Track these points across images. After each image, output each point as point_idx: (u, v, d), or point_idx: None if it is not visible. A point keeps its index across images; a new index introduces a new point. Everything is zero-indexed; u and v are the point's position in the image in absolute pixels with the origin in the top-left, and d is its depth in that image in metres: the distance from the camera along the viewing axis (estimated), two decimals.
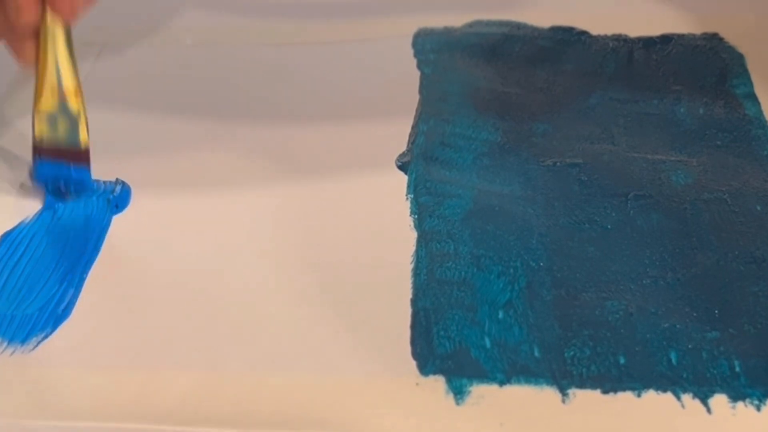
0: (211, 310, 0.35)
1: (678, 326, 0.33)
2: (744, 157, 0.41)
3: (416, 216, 0.39)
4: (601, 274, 0.36)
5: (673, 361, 0.32)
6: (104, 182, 0.41)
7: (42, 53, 0.38)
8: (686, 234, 0.37)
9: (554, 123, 0.43)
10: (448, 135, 0.43)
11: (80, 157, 0.40)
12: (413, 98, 0.45)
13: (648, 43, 0.48)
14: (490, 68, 0.47)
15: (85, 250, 0.38)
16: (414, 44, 0.49)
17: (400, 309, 0.34)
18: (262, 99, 0.46)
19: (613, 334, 0.33)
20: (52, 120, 0.39)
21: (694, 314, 0.34)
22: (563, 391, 0.32)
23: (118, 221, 0.40)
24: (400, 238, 0.38)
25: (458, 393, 0.32)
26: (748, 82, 0.45)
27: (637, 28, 0.49)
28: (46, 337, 0.34)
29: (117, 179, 0.41)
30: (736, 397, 0.31)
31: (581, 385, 0.32)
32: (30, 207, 0.40)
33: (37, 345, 0.34)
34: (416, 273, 0.36)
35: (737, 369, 0.32)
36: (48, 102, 0.39)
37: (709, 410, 0.31)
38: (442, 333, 0.33)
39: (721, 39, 0.48)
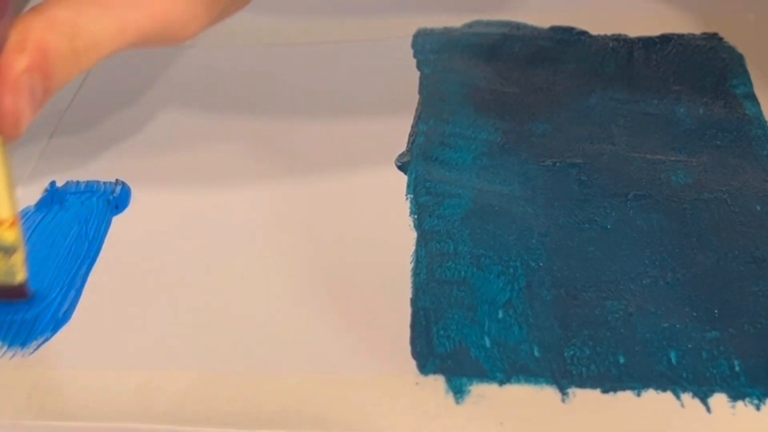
0: (210, 310, 0.35)
1: (678, 326, 0.33)
2: (744, 157, 0.41)
3: (416, 216, 0.39)
4: (601, 273, 0.36)
5: (673, 360, 0.32)
6: (104, 183, 0.41)
7: None
8: (686, 234, 0.37)
9: (554, 123, 0.43)
10: (448, 135, 0.43)
11: (15, 293, 0.35)
12: (413, 98, 0.45)
13: (648, 43, 0.48)
14: (490, 68, 0.47)
15: (85, 252, 0.38)
16: (414, 44, 0.49)
17: (399, 309, 0.35)
18: (262, 99, 0.46)
19: (613, 334, 0.33)
20: None
21: (694, 314, 0.34)
22: (563, 390, 0.32)
23: (118, 222, 0.40)
24: (400, 237, 0.38)
25: (458, 392, 0.32)
26: (748, 82, 0.45)
27: (637, 28, 0.49)
28: (46, 340, 0.34)
29: (117, 180, 0.41)
30: (735, 396, 0.31)
31: (581, 385, 0.32)
32: (25, 206, 0.40)
33: (37, 348, 0.34)
34: (416, 273, 0.36)
35: (737, 369, 0.32)
36: None
37: (708, 410, 0.31)
38: (441, 332, 0.33)
39: (721, 39, 0.48)
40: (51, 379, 0.33)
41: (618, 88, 0.45)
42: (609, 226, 0.37)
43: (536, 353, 0.33)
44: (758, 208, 0.38)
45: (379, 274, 0.36)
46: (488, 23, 0.50)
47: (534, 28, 0.50)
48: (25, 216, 0.40)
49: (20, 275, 0.34)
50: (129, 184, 0.41)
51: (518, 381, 0.32)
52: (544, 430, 0.30)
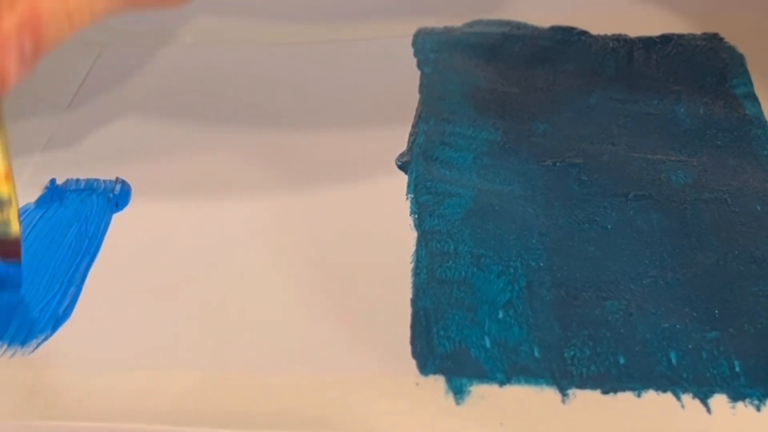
0: (210, 309, 0.35)
1: (678, 326, 0.33)
2: (744, 157, 0.41)
3: (416, 215, 0.39)
4: (601, 274, 0.36)
5: (673, 361, 0.32)
6: (104, 181, 0.41)
7: None
8: (686, 234, 0.37)
9: (554, 123, 0.43)
10: (448, 134, 0.43)
11: (10, 249, 0.35)
12: (413, 98, 0.45)
13: (648, 43, 0.48)
14: (490, 68, 0.47)
15: (85, 249, 0.38)
16: (414, 44, 0.49)
17: (399, 308, 0.34)
18: (262, 98, 0.46)
19: (613, 334, 0.33)
20: None
21: (694, 314, 0.34)
22: (563, 391, 0.31)
23: (117, 220, 0.40)
24: (400, 237, 0.37)
25: (458, 393, 0.32)
26: (748, 82, 0.45)
27: (637, 28, 0.49)
28: (46, 339, 0.34)
29: (117, 178, 0.41)
30: (736, 397, 0.31)
31: (581, 385, 0.32)
32: (25, 203, 0.40)
33: (37, 347, 0.34)
34: (416, 272, 0.36)
35: (737, 369, 0.32)
36: None
37: (709, 410, 0.31)
38: (441, 333, 0.33)
39: (721, 39, 0.48)
40: (51, 380, 0.33)
41: (618, 88, 0.45)
42: (609, 226, 0.37)
43: (536, 354, 0.33)
44: (758, 208, 0.38)
45: (379, 273, 0.36)
46: (488, 23, 0.50)
47: (534, 28, 0.50)
48: (25, 213, 0.39)
49: (14, 227, 0.34)
50: (129, 182, 0.41)
51: (518, 382, 0.32)
52: (545, 430, 0.30)
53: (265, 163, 0.42)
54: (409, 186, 0.40)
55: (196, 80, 0.48)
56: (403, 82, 0.47)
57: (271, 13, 0.53)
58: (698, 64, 0.47)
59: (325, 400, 0.32)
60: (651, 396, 0.31)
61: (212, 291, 0.36)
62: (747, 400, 0.31)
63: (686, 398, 0.31)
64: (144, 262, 0.38)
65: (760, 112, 0.43)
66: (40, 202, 0.40)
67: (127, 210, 0.40)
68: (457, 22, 0.51)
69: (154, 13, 0.43)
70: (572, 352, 0.33)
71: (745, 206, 0.38)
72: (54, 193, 0.41)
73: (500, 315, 0.34)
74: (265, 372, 0.33)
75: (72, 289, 0.36)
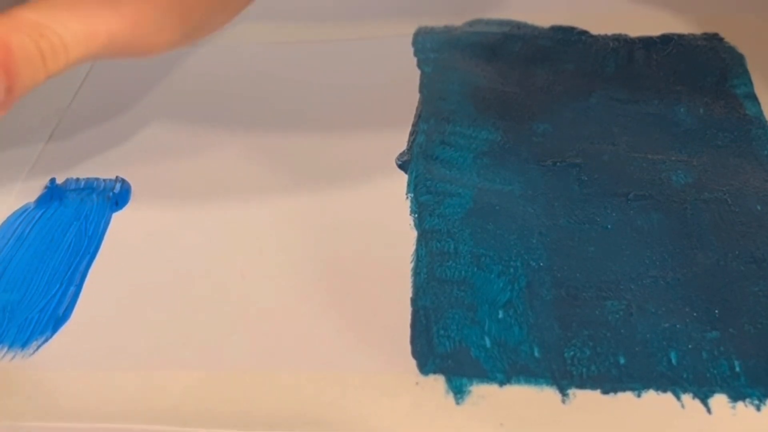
0: (211, 308, 0.35)
1: (678, 326, 0.33)
2: (744, 157, 0.41)
3: (416, 215, 0.38)
4: (601, 274, 0.36)
5: (673, 361, 0.32)
6: (104, 180, 0.41)
7: None
8: (686, 234, 0.37)
9: (554, 123, 0.43)
10: (448, 134, 0.43)
11: None
12: (413, 97, 0.45)
13: (648, 43, 0.48)
14: (490, 67, 0.47)
15: (84, 248, 0.38)
16: (414, 43, 0.49)
17: (399, 308, 0.34)
18: (262, 97, 0.46)
19: (613, 334, 0.33)
20: None
21: (694, 314, 0.34)
22: (563, 391, 0.31)
23: (117, 219, 0.39)
24: (400, 237, 0.37)
25: (458, 393, 0.32)
26: (748, 82, 0.45)
27: (637, 28, 0.49)
28: (46, 340, 0.34)
29: (117, 177, 0.41)
30: (736, 397, 0.31)
31: (581, 386, 0.32)
32: (25, 202, 0.40)
33: (37, 349, 0.34)
34: (416, 272, 0.36)
35: (737, 369, 0.32)
36: None
37: (709, 410, 0.31)
38: (442, 332, 0.33)
39: (721, 39, 0.48)
40: (51, 381, 0.33)
41: (618, 88, 0.45)
42: (609, 226, 0.37)
43: (536, 354, 0.33)
44: (758, 208, 0.38)
45: (379, 273, 0.36)
46: (489, 22, 0.50)
47: (535, 28, 0.50)
48: (25, 212, 0.40)
49: None
50: (129, 181, 0.41)
51: (518, 381, 0.32)
52: (545, 430, 0.30)
53: (264, 161, 0.42)
54: (409, 185, 0.40)
55: (196, 80, 0.48)
56: (403, 81, 0.47)
57: (270, 13, 0.53)
58: (698, 64, 0.47)
59: (325, 400, 0.32)
60: (651, 396, 0.31)
61: (212, 290, 0.36)
62: (747, 400, 0.31)
63: (686, 398, 0.31)
64: (144, 261, 0.38)
65: (760, 112, 0.43)
66: (40, 201, 0.40)
67: (127, 209, 0.40)
68: (457, 21, 0.51)
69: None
70: (572, 352, 0.33)
71: (745, 206, 0.38)
72: (54, 192, 0.41)
73: (500, 315, 0.34)
74: (266, 371, 0.33)
75: (72, 289, 0.36)
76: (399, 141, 0.43)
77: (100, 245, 0.38)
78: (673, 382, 0.31)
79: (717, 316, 0.34)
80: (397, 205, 0.39)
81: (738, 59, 0.47)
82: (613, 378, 0.32)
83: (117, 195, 0.40)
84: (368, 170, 0.41)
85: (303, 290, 0.36)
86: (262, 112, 0.45)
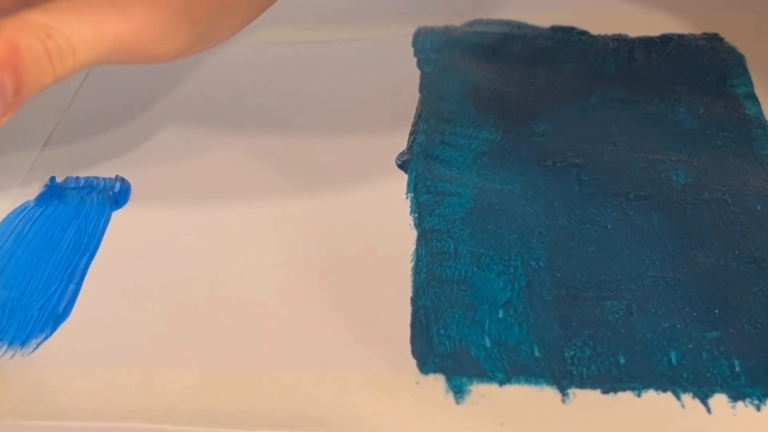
0: (210, 307, 0.35)
1: (678, 326, 0.33)
2: (744, 157, 0.41)
3: (416, 214, 0.38)
4: (601, 273, 0.36)
5: (673, 361, 0.32)
6: (103, 179, 0.41)
7: None
8: (686, 234, 0.37)
9: (554, 123, 0.43)
10: (449, 134, 0.43)
11: None
12: (413, 97, 0.45)
13: (648, 43, 0.48)
14: (490, 67, 0.47)
15: (84, 246, 0.38)
16: (414, 43, 0.49)
17: (399, 307, 0.34)
18: (262, 97, 0.46)
19: (613, 334, 0.33)
20: None
21: (694, 314, 0.34)
22: (563, 391, 0.31)
23: (117, 217, 0.39)
24: (400, 236, 0.37)
25: (458, 392, 0.32)
26: (748, 82, 0.45)
27: (637, 28, 0.49)
28: (46, 338, 0.34)
29: (117, 176, 0.41)
30: (736, 397, 0.31)
31: (581, 385, 0.32)
32: (25, 200, 0.40)
33: (37, 347, 0.34)
34: (416, 271, 0.36)
35: (737, 369, 0.32)
36: None
37: (709, 410, 0.31)
38: (442, 332, 0.33)
39: (721, 39, 0.48)
40: (51, 379, 0.33)
41: (618, 88, 0.45)
42: (609, 226, 0.37)
43: (536, 353, 0.33)
44: (758, 208, 0.38)
45: (379, 272, 0.36)
46: (489, 22, 0.50)
47: (535, 28, 0.50)
48: (24, 210, 0.40)
49: None
50: (129, 180, 0.41)
51: (518, 381, 0.32)
52: (544, 430, 0.30)
53: (264, 161, 0.42)
54: (409, 185, 0.40)
55: (196, 80, 0.48)
56: (403, 81, 0.47)
57: (270, 13, 0.52)
58: (698, 64, 0.47)
59: (325, 399, 0.32)
60: (651, 396, 0.31)
61: (212, 289, 0.36)
62: (747, 400, 0.31)
63: (686, 398, 0.31)
64: (143, 260, 0.38)
65: (760, 112, 0.43)
66: (40, 199, 0.40)
67: (126, 208, 0.40)
68: (457, 21, 0.51)
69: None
70: (572, 352, 0.33)
71: (745, 206, 0.38)
72: (54, 190, 0.41)
73: (500, 314, 0.34)
74: (265, 371, 0.33)
75: (71, 287, 0.36)
76: (399, 141, 0.43)
77: (100, 243, 0.38)
78: (673, 381, 0.31)
79: (717, 316, 0.34)
80: (397, 205, 0.39)
81: (738, 59, 0.47)
82: (613, 378, 0.32)
83: (117, 194, 0.40)
84: (368, 170, 0.41)
85: (303, 290, 0.36)
86: (261, 112, 0.45)
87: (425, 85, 0.46)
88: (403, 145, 0.42)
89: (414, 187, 0.40)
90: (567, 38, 0.49)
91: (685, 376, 0.32)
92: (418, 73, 0.47)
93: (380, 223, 0.38)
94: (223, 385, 0.32)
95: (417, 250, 0.37)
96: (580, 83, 0.46)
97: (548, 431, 0.30)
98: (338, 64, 0.49)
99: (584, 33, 0.49)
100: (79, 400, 0.32)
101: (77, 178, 0.41)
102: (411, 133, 0.43)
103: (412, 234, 0.38)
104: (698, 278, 0.35)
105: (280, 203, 0.40)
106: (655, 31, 0.49)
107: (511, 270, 0.36)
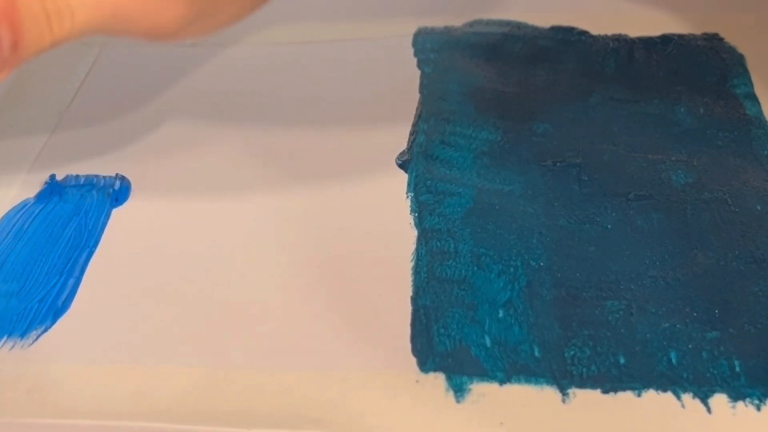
0: (210, 306, 0.35)
1: (678, 326, 0.33)
2: (744, 157, 0.41)
3: (416, 214, 0.38)
4: (601, 273, 0.36)
5: (673, 361, 0.32)
6: (104, 177, 0.41)
7: None
8: (686, 234, 0.37)
9: (554, 123, 0.43)
10: (449, 134, 0.43)
11: None
12: (413, 97, 0.45)
13: (648, 43, 0.48)
14: (490, 68, 0.47)
15: (84, 242, 0.38)
16: (414, 43, 0.49)
17: (400, 307, 0.34)
18: (262, 97, 0.46)
19: (613, 334, 0.33)
20: None
21: (694, 314, 0.34)
22: (563, 390, 0.31)
23: (117, 215, 0.39)
24: (400, 236, 0.37)
25: (458, 391, 0.32)
26: (749, 82, 0.45)
27: (637, 29, 0.49)
28: (45, 330, 0.34)
29: (117, 174, 0.41)
30: (736, 397, 0.31)
31: (581, 385, 0.32)
32: (25, 198, 0.40)
33: (36, 339, 0.34)
34: (416, 271, 0.36)
35: (737, 369, 0.32)
36: None
37: (709, 410, 0.31)
38: (442, 331, 0.33)
39: (721, 39, 0.48)
40: (51, 376, 0.33)
41: (618, 88, 0.45)
42: (609, 226, 0.37)
43: (536, 353, 0.33)
44: (758, 208, 0.38)
45: (379, 272, 0.36)
46: (489, 22, 0.50)
47: (535, 28, 0.50)
48: (24, 207, 0.40)
49: None
50: (130, 178, 0.41)
51: (518, 381, 0.32)
52: (544, 430, 0.30)
53: (264, 161, 0.42)
54: (409, 185, 0.40)
55: (196, 79, 0.48)
56: (403, 81, 0.47)
57: (270, 13, 0.52)
58: (698, 64, 0.47)
59: (325, 398, 0.32)
60: (651, 396, 0.31)
61: (212, 288, 0.36)
62: (747, 400, 0.31)
63: (686, 398, 0.31)
64: (143, 257, 0.38)
65: (760, 112, 0.43)
66: (40, 197, 0.40)
67: (126, 205, 0.40)
68: (457, 21, 0.51)
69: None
70: (572, 352, 0.33)
71: (745, 206, 0.38)
72: (53, 188, 0.41)
73: (500, 314, 0.34)
74: (266, 370, 0.33)
75: (71, 281, 0.36)
76: (399, 141, 0.43)
77: (100, 239, 0.38)
78: (673, 381, 0.31)
79: (717, 316, 0.34)
80: (397, 205, 0.39)
81: (738, 59, 0.47)
82: (613, 378, 0.32)
83: (117, 192, 0.40)
84: (368, 170, 0.41)
85: (303, 289, 0.36)
86: (261, 111, 0.45)
87: (425, 85, 0.46)
88: (403, 145, 0.42)
89: (414, 187, 0.40)
90: (567, 38, 0.49)
91: (685, 376, 0.32)
92: (418, 73, 0.47)
93: (380, 222, 0.38)
94: (222, 384, 0.32)
95: (417, 249, 0.37)
96: (580, 83, 0.46)
97: (548, 431, 0.30)
98: (338, 64, 0.49)
99: (584, 33, 0.49)
100: (78, 399, 0.32)
101: (77, 176, 0.41)
102: (411, 133, 0.43)
103: (412, 234, 0.38)
104: (698, 278, 0.35)
105: (279, 202, 0.40)
106: (655, 31, 0.49)
107: (511, 270, 0.36)
